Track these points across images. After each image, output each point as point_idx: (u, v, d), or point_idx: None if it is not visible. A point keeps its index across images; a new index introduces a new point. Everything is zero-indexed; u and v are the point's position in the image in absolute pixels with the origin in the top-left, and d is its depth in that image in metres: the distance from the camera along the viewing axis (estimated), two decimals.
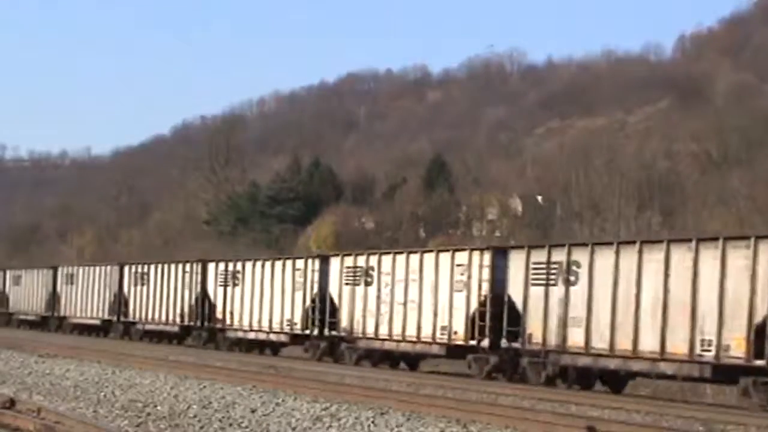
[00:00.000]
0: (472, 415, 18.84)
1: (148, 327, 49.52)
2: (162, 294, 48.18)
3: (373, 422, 18.13)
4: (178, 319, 47.13)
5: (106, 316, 52.87)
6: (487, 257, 31.21)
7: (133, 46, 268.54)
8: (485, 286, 30.98)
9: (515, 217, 79.42)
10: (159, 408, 19.83)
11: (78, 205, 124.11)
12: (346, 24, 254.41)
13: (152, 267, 49.56)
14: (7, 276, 66.30)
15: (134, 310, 50.35)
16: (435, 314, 32.60)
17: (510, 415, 19.01)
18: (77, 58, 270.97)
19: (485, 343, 30.81)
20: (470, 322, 31.34)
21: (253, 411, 19.43)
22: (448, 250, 33.66)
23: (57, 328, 57.54)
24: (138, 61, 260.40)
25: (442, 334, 32.36)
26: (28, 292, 62.25)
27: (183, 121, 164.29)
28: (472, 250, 32.61)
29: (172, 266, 48.03)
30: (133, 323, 50.59)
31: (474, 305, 31.30)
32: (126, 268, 51.73)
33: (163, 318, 48.11)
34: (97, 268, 55.14)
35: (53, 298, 58.61)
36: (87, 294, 54.74)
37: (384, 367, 35.42)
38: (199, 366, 30.34)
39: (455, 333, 31.91)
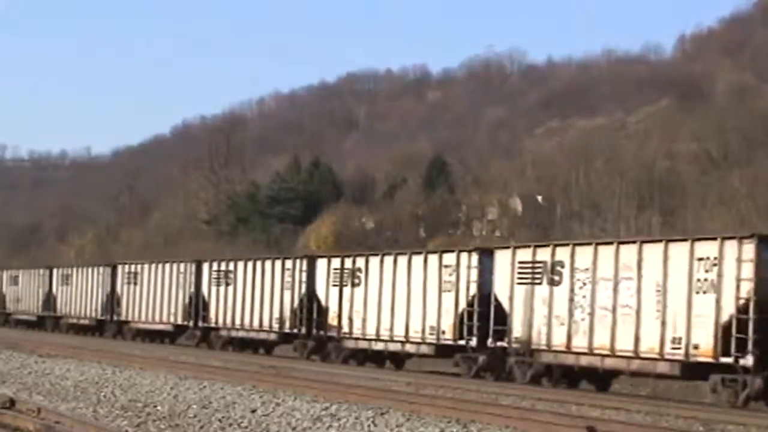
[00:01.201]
0: (472, 415, 18.84)
1: (234, 334, 44.17)
2: (253, 295, 42.62)
3: (373, 422, 18.11)
4: (275, 326, 41.36)
5: (179, 321, 47.77)
6: (749, 249, 24.15)
7: (133, 45, 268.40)
8: (745, 287, 24.25)
9: (515, 217, 79.41)
10: (159, 408, 19.83)
11: (78, 205, 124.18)
12: (346, 24, 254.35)
13: (239, 264, 43.96)
14: (54, 275, 59.60)
15: (216, 314, 45.00)
16: (663, 323, 26.11)
17: (510, 415, 19.00)
18: (77, 57, 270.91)
19: (747, 360, 24.14)
20: (720, 333, 24.84)
21: (253, 411, 19.42)
22: (684, 240, 26.33)
23: (116, 334, 52.24)
24: (138, 61, 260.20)
25: (673, 348, 25.89)
26: (80, 293, 56.19)
27: (183, 121, 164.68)
28: (724, 239, 25.25)
29: (267, 263, 42.44)
30: (215, 329, 45.31)
31: (727, 312, 24.73)
32: (205, 266, 46.24)
33: (255, 324, 42.49)
34: (167, 266, 49.12)
35: (111, 300, 52.98)
36: (155, 295, 49.37)
37: (565, 385, 29.47)
38: (199, 366, 30.35)
39: (695, 347, 25.40)
